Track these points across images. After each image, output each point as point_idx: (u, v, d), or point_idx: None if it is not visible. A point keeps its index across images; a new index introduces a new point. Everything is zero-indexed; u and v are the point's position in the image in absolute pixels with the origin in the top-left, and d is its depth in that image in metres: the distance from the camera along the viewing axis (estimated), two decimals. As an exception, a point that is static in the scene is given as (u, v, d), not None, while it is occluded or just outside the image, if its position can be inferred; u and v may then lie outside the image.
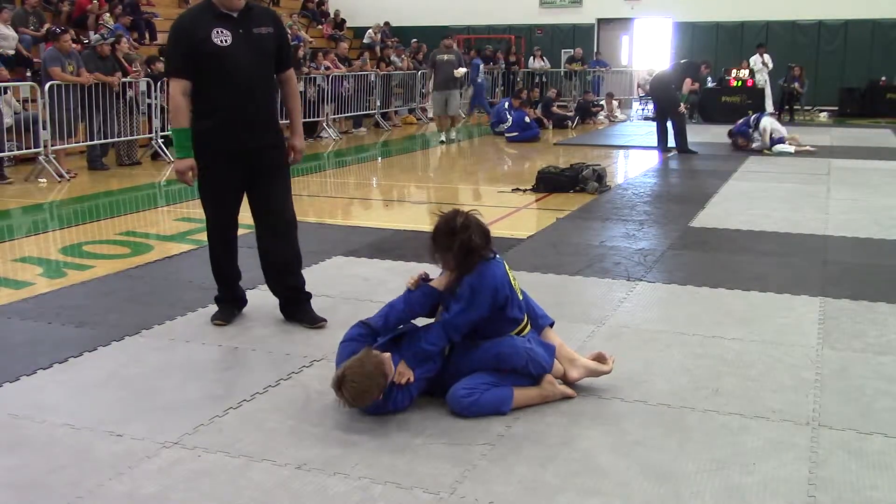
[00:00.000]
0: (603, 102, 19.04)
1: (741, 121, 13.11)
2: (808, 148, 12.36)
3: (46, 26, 13.15)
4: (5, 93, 10.08)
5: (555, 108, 17.22)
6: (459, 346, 3.40)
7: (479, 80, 19.11)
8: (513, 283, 3.48)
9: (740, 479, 2.82)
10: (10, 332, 4.39)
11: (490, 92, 21.26)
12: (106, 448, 3.04)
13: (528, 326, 3.52)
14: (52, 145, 10.11)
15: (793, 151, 12.16)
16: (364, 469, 2.88)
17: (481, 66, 19.49)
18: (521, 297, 3.52)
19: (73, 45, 10.83)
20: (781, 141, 12.33)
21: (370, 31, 21.01)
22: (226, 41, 4.09)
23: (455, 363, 3.38)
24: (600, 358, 3.61)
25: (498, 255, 3.47)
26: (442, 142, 13.91)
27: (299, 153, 4.49)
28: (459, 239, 3.30)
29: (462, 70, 14.03)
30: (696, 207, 7.84)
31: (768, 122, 12.61)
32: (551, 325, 3.68)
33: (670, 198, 8.62)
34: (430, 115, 18.78)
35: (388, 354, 3.27)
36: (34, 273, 5.66)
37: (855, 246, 6.31)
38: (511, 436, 3.14)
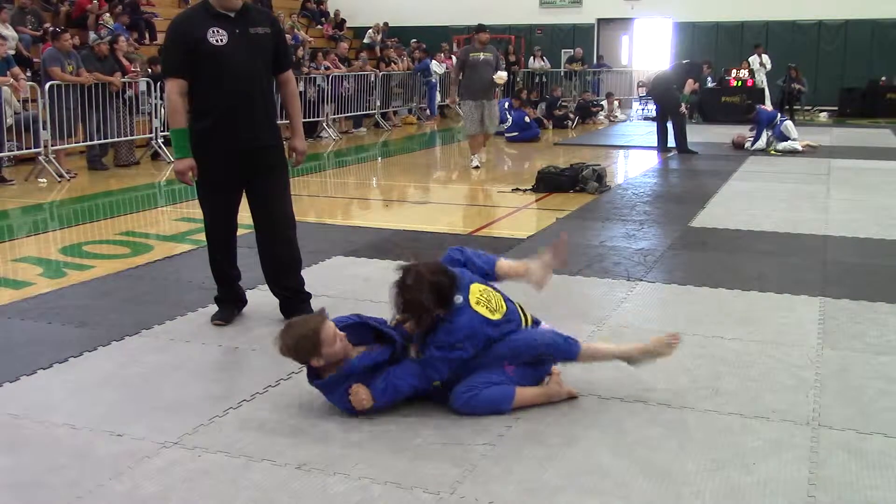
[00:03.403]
0: (603, 102, 19.05)
1: (770, 111, 13.22)
2: (811, 144, 12.43)
3: (45, 26, 13.15)
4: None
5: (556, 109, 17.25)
6: None
7: (433, 81, 18.98)
8: (486, 313, 3.34)
9: (740, 479, 2.82)
10: (10, 332, 4.39)
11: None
12: (106, 448, 3.04)
13: (528, 322, 3.51)
14: (52, 145, 10.12)
15: (800, 148, 12.20)
16: (364, 469, 2.88)
17: (432, 66, 19.12)
18: (504, 308, 3.43)
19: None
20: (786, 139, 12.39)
21: (370, 31, 21.02)
22: (222, 41, 4.09)
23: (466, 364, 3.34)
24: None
25: (460, 300, 3.31)
26: (476, 167, 10.89)
27: (301, 154, 4.49)
28: (405, 298, 3.25)
29: (503, 74, 10.85)
30: (696, 207, 7.84)
31: (790, 125, 12.66)
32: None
33: (670, 198, 8.62)
34: (430, 114, 18.81)
35: (330, 327, 3.27)
36: (34, 273, 5.66)
37: (855, 246, 6.31)
38: (511, 436, 3.14)
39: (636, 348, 3.48)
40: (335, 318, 3.49)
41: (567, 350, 3.42)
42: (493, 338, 3.34)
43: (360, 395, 3.24)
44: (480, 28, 11.00)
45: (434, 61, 19.26)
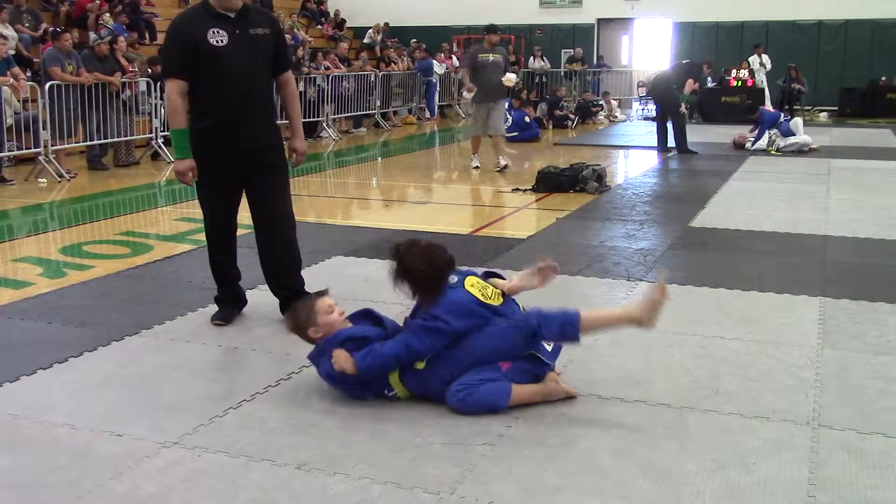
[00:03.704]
0: (602, 102, 19.04)
1: (774, 111, 13.21)
2: (812, 146, 12.47)
3: (44, 26, 13.14)
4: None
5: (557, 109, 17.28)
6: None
7: (434, 81, 18.98)
8: (479, 296, 3.38)
9: (740, 479, 2.82)
10: (10, 332, 4.39)
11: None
12: (106, 448, 3.04)
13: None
14: (52, 145, 10.12)
15: (811, 142, 12.22)
16: (364, 469, 2.88)
17: (434, 66, 19.12)
18: (500, 300, 3.45)
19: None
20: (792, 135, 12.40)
21: (370, 31, 21.01)
22: (222, 41, 4.10)
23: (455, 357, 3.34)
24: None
25: (455, 279, 3.40)
26: (476, 167, 10.74)
27: (301, 155, 4.50)
28: (402, 267, 3.35)
29: (512, 77, 10.60)
30: (696, 207, 7.84)
31: (799, 122, 12.64)
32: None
33: (670, 198, 8.62)
34: (430, 115, 18.80)
35: (325, 300, 3.50)
36: (34, 273, 5.66)
37: (855, 246, 6.31)
38: (511, 436, 3.14)
39: (639, 307, 3.35)
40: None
41: (563, 319, 3.32)
42: (486, 319, 3.35)
43: (340, 357, 3.32)
44: (491, 28, 10.62)
45: (434, 61, 19.25)
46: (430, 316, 3.31)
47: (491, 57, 10.38)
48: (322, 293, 3.59)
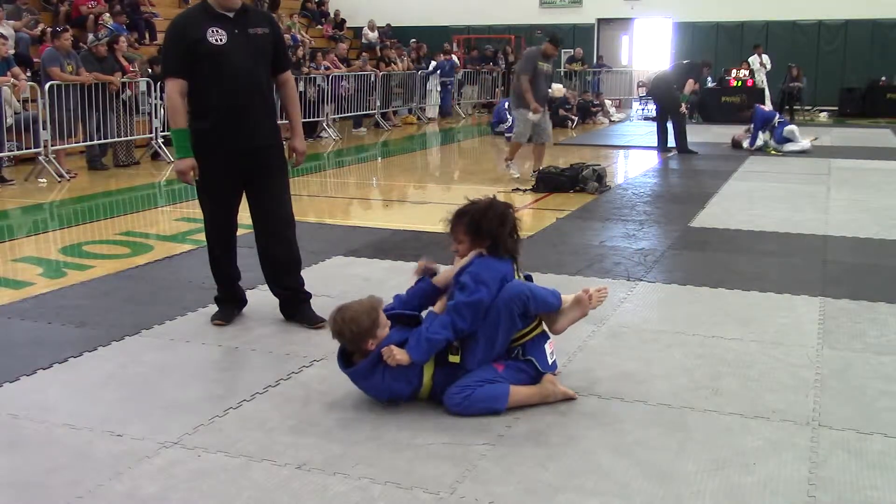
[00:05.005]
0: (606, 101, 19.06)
1: (768, 111, 13.18)
2: (814, 141, 12.46)
3: (41, 26, 13.13)
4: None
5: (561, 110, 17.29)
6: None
7: (451, 81, 19.00)
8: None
9: (740, 479, 2.82)
10: (10, 332, 4.39)
11: (490, 92, 21.27)
12: (106, 448, 3.04)
13: (541, 326, 3.49)
14: (52, 145, 10.12)
15: (808, 146, 12.22)
16: (364, 469, 2.88)
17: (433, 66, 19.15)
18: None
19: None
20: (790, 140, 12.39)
21: (365, 28, 21.00)
22: (221, 40, 4.10)
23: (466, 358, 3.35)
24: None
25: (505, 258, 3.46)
26: (518, 177, 9.95)
27: (301, 155, 4.50)
28: (475, 213, 3.41)
29: (559, 87, 10.27)
30: (696, 207, 7.84)
31: (795, 129, 12.63)
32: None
33: (670, 198, 8.62)
34: (430, 115, 18.80)
35: (384, 317, 3.34)
36: (34, 273, 5.66)
37: (855, 246, 6.31)
38: (511, 436, 3.14)
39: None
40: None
41: (549, 305, 3.48)
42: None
43: (394, 352, 3.23)
44: (554, 40, 9.97)
45: (433, 62, 19.25)
46: (478, 280, 3.30)
47: (545, 66, 9.89)
48: (377, 302, 3.37)
